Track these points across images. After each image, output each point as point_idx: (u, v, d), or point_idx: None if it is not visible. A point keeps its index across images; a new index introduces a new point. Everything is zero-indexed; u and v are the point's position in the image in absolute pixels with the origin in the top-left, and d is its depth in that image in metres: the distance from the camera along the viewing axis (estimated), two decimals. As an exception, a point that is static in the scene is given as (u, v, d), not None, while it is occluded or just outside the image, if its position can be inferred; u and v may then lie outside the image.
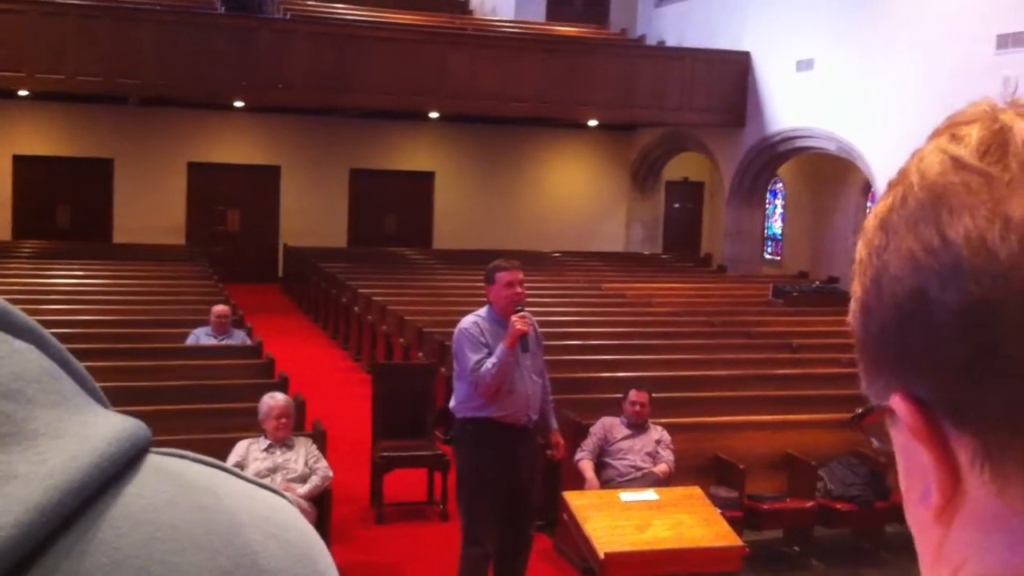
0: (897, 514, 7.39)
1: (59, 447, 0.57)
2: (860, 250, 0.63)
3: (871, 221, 0.63)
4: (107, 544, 0.55)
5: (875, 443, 0.66)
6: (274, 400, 6.26)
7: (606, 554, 4.93)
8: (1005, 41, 13.55)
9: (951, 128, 0.61)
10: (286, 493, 0.69)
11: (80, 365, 0.65)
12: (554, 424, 6.19)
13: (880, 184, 15.72)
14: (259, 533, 0.61)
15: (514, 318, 5.58)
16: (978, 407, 0.55)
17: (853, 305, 0.63)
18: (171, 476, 0.61)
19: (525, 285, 5.86)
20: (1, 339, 0.60)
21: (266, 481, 0.69)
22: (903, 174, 0.62)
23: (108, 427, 0.60)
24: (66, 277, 13.65)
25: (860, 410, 0.66)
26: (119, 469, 0.58)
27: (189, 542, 0.57)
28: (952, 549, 0.59)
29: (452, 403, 5.91)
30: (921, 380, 0.58)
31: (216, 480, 0.63)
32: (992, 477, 0.56)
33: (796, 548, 7.41)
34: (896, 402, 0.60)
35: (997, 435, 0.55)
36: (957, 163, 0.58)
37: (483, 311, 5.81)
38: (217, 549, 0.58)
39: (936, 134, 0.63)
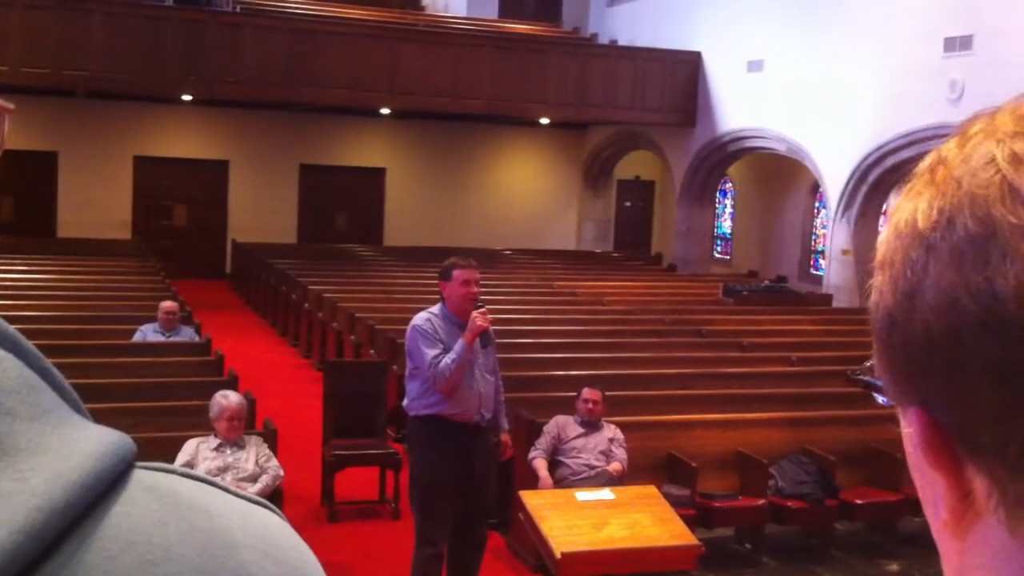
0: (846, 512, 7.49)
1: (42, 464, 0.53)
2: (891, 248, 0.58)
3: (907, 224, 0.57)
4: (96, 568, 0.52)
5: (879, 399, 0.64)
6: (227, 400, 6.17)
7: (563, 553, 4.92)
8: (952, 44, 13.75)
9: (1015, 137, 0.54)
10: (277, 510, 0.66)
11: (60, 374, 0.62)
12: (505, 424, 6.18)
13: (829, 185, 15.91)
14: (255, 553, 0.58)
15: (475, 314, 5.56)
16: (1000, 453, 0.53)
17: (876, 300, 0.60)
18: (160, 494, 0.58)
19: (479, 283, 5.85)
20: None
21: (257, 496, 0.66)
22: (948, 179, 0.55)
23: (93, 442, 0.57)
24: (9, 272, 13.41)
25: (870, 379, 0.63)
26: (106, 487, 0.55)
27: (183, 565, 0.54)
28: (968, 567, 0.58)
29: (405, 401, 5.87)
30: (942, 408, 0.56)
31: (207, 497, 0.60)
32: (1006, 519, 0.54)
33: (748, 546, 7.46)
34: (912, 419, 0.58)
35: (1016, 484, 0.53)
36: (1017, 196, 0.52)
37: (436, 308, 5.77)
38: (212, 572, 0.55)
39: (990, 128, 0.55)
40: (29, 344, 0.60)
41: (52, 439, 0.55)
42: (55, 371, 0.61)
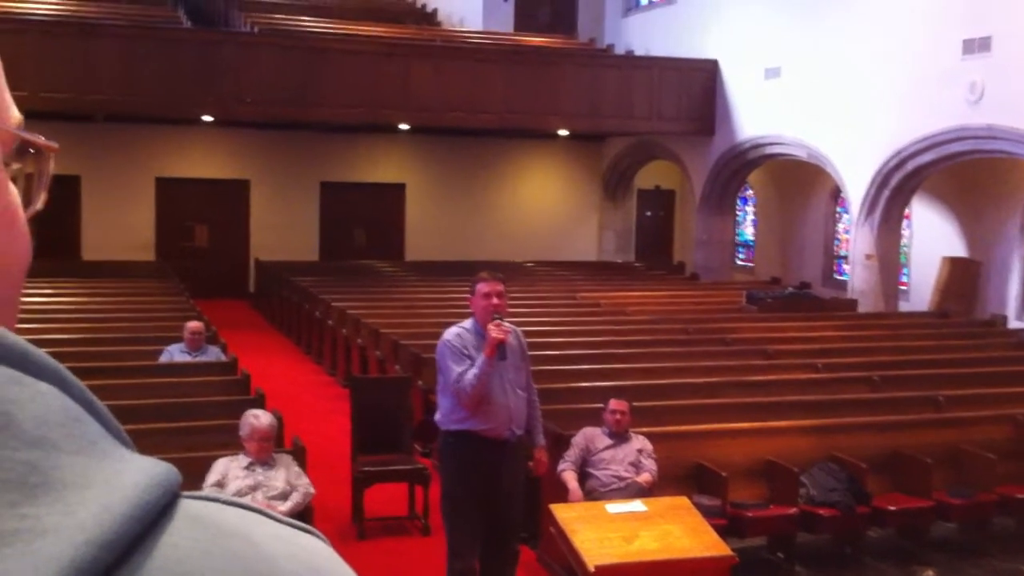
0: (877, 519, 7.43)
1: (89, 497, 0.53)
2: None
3: None
4: None
5: None
6: (258, 421, 6.17)
7: (596, 567, 4.90)
8: (971, 46, 13.67)
9: None
10: (321, 535, 0.66)
11: (103, 405, 0.62)
12: (540, 440, 6.14)
13: (850, 190, 15.84)
14: None
15: (490, 327, 5.56)
16: None
17: None
18: (205, 523, 0.58)
19: (505, 296, 5.83)
20: (23, 382, 0.56)
21: (299, 521, 0.65)
22: None
23: (139, 473, 0.57)
24: (35, 296, 13.49)
25: None
26: (153, 518, 0.55)
27: None
28: None
29: (437, 416, 5.88)
30: None
31: (251, 525, 0.60)
32: None
33: (780, 555, 7.41)
34: None
35: None
36: None
37: (467, 323, 5.79)
38: None
39: None
40: (72, 376, 0.60)
41: (98, 472, 0.55)
42: (98, 402, 0.61)
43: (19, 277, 0.65)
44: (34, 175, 0.69)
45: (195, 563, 0.54)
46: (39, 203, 0.69)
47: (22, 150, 0.68)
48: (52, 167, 0.70)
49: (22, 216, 0.66)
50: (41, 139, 0.69)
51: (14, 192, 0.65)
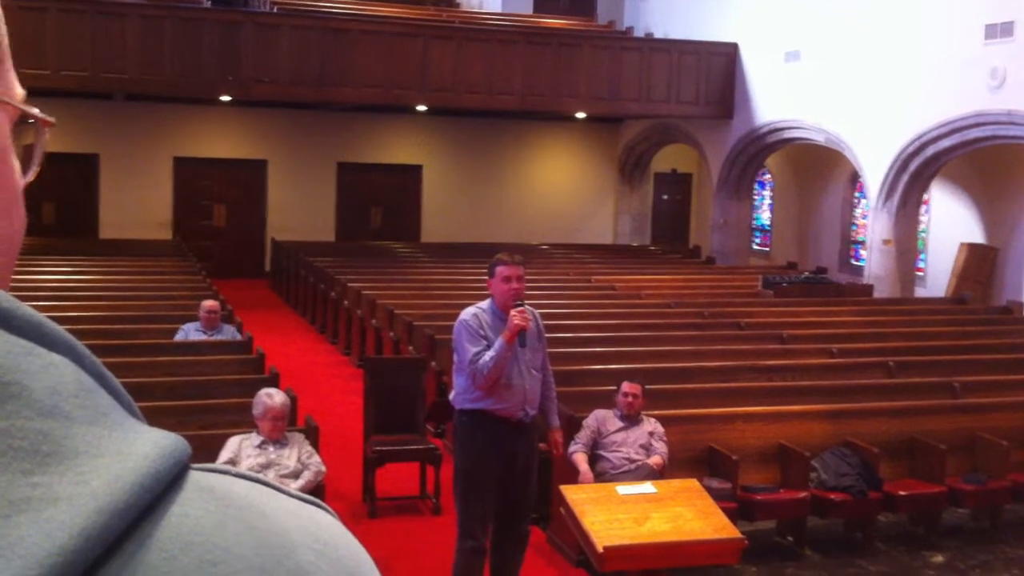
0: (889, 504, 7.42)
1: (101, 466, 0.55)
2: None
3: None
4: (156, 568, 0.53)
5: None
6: (271, 400, 6.19)
7: (605, 547, 4.91)
8: (994, 31, 13.56)
9: None
10: (329, 508, 0.67)
11: (114, 377, 0.63)
12: (555, 422, 6.13)
13: (868, 175, 15.76)
14: (310, 552, 0.59)
15: (513, 312, 5.55)
16: None
17: None
18: (216, 495, 0.59)
19: (523, 280, 5.83)
20: (36, 352, 0.58)
21: (307, 495, 0.67)
22: None
23: (150, 443, 0.58)
24: (52, 274, 13.56)
25: None
26: (163, 488, 0.56)
27: (241, 565, 0.55)
28: None
29: (451, 395, 5.90)
30: None
31: (262, 498, 0.61)
32: None
33: (790, 539, 7.42)
34: None
35: None
36: None
37: (485, 304, 5.79)
38: (270, 571, 0.56)
39: None
40: (84, 348, 0.61)
41: (109, 442, 0.56)
42: (109, 374, 0.62)
43: (18, 246, 0.67)
44: (33, 146, 0.71)
45: (206, 533, 0.55)
46: (31, 175, 0.70)
47: (23, 124, 0.70)
48: (47, 140, 0.72)
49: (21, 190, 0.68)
50: (39, 113, 0.70)
51: (18, 169, 0.67)
